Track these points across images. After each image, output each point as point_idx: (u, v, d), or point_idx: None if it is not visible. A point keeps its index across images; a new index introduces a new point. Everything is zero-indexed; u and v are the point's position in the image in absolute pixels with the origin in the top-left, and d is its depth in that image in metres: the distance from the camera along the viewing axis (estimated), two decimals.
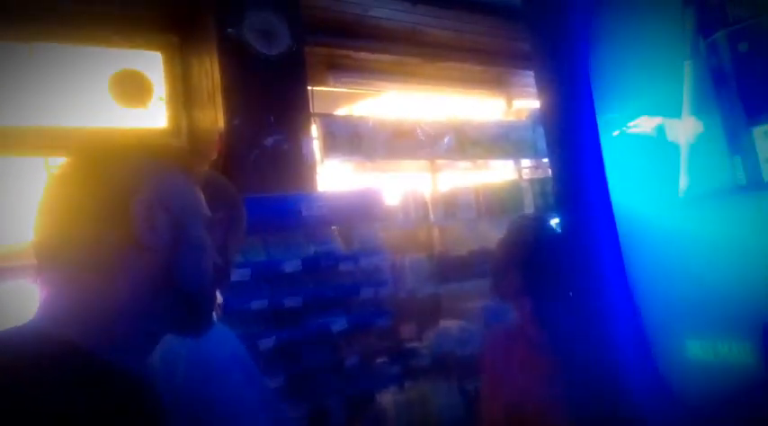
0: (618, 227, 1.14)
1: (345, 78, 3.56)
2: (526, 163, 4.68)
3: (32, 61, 2.78)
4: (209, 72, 2.51)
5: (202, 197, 0.87)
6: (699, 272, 1.12)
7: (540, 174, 4.54)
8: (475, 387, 3.67)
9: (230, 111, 2.40)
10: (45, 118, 3.03)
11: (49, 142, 2.71)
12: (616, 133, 1.32)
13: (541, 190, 4.09)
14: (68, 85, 2.85)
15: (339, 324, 2.31)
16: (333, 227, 2.45)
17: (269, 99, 2.50)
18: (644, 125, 1.30)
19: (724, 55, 1.16)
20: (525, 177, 4.53)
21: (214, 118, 2.45)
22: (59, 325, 0.70)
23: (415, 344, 3.51)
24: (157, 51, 2.98)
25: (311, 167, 2.63)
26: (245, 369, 1.16)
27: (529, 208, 3.99)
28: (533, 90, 4.54)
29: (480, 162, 4.44)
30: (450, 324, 3.72)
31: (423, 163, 4.19)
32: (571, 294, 1.32)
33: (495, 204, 3.88)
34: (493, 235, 4.10)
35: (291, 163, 2.51)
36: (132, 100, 2.91)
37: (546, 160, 4.51)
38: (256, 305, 2.14)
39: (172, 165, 0.85)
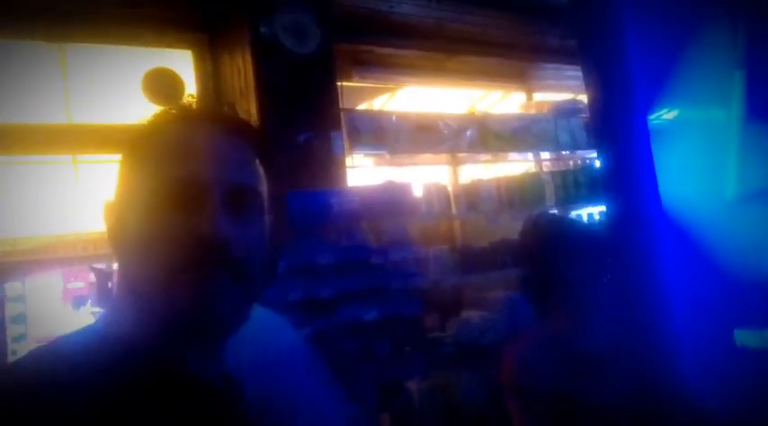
0: (668, 226, 1.20)
1: (369, 73, 3.62)
2: (546, 155, 4.72)
3: (66, 61, 2.88)
4: (242, 70, 2.59)
5: (172, 155, 0.69)
6: (746, 266, 1.18)
7: (560, 167, 4.58)
8: (497, 374, 3.77)
9: (264, 110, 2.48)
10: (76, 116, 3.15)
11: (79, 139, 2.81)
12: (665, 131, 1.37)
13: (563, 183, 4.13)
14: (100, 84, 2.95)
15: (371, 314, 2.39)
16: (363, 221, 2.53)
17: (300, 96, 2.58)
18: (693, 124, 1.35)
19: None
20: (545, 169, 4.57)
21: (247, 116, 2.53)
22: (114, 325, 0.69)
23: (438, 334, 3.60)
24: (188, 50, 3.06)
25: (341, 163, 2.70)
26: (309, 357, 1.21)
27: (550, 201, 4.04)
28: (553, 83, 4.58)
29: (501, 154, 4.49)
30: (472, 314, 3.80)
31: (443, 156, 4.25)
32: (613, 284, 1.35)
33: (516, 196, 3.92)
34: (514, 228, 4.16)
35: (322, 159, 2.59)
36: (164, 97, 3.00)
37: (566, 152, 4.56)
38: (292, 296, 2.23)
39: (139, 137, 0.73)
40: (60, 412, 0.56)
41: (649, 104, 1.27)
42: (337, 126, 2.77)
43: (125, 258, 0.70)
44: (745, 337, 1.24)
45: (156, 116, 0.74)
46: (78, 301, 5.22)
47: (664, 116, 1.35)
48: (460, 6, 3.19)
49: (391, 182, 2.83)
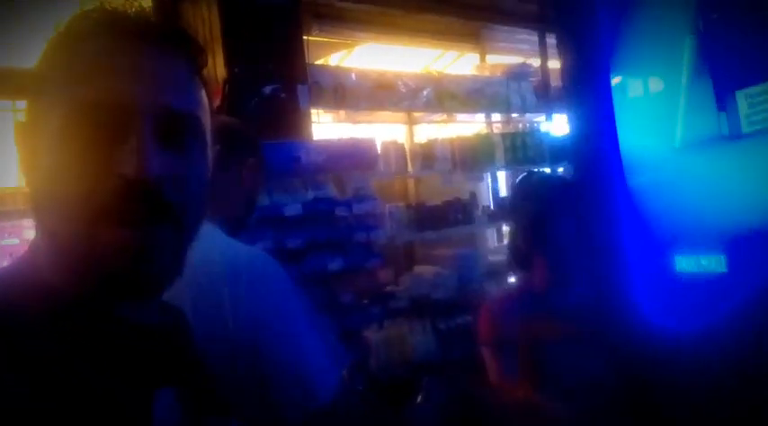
0: (626, 171, 1.35)
1: (328, 27, 3.59)
2: (495, 118, 4.87)
3: None
4: (206, 19, 2.52)
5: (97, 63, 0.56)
6: (690, 204, 1.36)
7: (509, 129, 4.74)
8: (447, 327, 3.97)
9: (229, 60, 2.44)
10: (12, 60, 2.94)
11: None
12: (626, 93, 1.51)
13: (512, 145, 4.28)
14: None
15: (335, 265, 2.46)
16: (328, 174, 2.57)
17: (266, 47, 2.54)
18: (651, 86, 1.50)
19: (717, 31, 1.36)
20: (495, 131, 4.72)
21: (212, 65, 2.48)
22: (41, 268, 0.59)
23: (393, 288, 3.73)
24: None
25: (306, 116, 2.71)
26: (288, 283, 1.16)
27: (500, 162, 4.19)
28: (505, 45, 4.65)
29: (453, 115, 4.60)
30: (424, 270, 3.95)
31: (399, 115, 4.30)
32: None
33: (468, 157, 4.05)
34: (466, 187, 4.33)
35: (288, 112, 2.59)
36: None
37: (515, 115, 4.72)
38: (261, 245, 2.27)
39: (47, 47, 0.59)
40: None
41: (615, 69, 1.40)
42: (303, 79, 2.76)
43: (38, 196, 0.58)
44: (683, 263, 1.44)
45: (74, 21, 0.59)
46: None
47: (618, 79, 1.49)
48: None
49: (360, 138, 2.86)
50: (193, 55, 0.62)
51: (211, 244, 1.08)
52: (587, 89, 1.47)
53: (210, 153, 0.64)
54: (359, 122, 4.16)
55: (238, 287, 1.08)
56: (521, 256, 1.61)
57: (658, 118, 1.47)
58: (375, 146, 2.69)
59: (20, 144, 0.60)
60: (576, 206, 1.53)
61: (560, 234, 1.51)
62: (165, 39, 0.59)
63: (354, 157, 2.59)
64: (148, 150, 0.53)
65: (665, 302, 1.42)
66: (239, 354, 1.03)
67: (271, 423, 1.05)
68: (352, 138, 2.83)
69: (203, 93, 0.63)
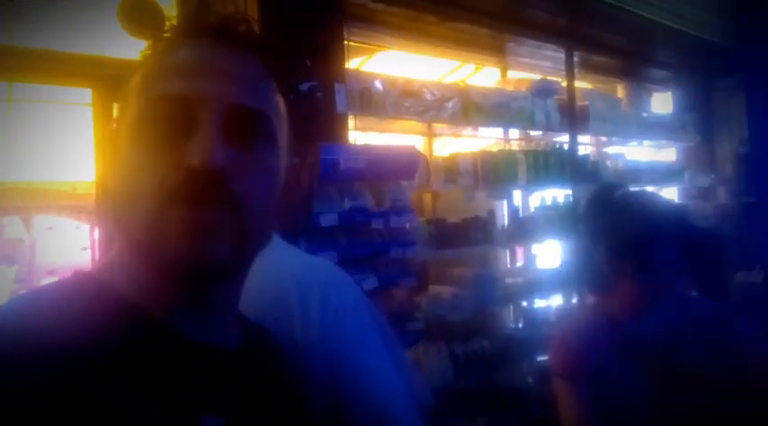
0: None
1: (358, 30, 3.40)
2: (514, 134, 4.72)
3: None
4: (242, 5, 2.30)
5: (170, 67, 0.60)
6: None
7: (528, 146, 4.59)
8: (464, 351, 3.75)
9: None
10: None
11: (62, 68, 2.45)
12: None
13: (534, 163, 4.14)
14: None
15: (371, 282, 2.24)
16: (366, 182, 2.35)
17: (307, 42, 2.33)
18: None
19: None
20: (516, 147, 4.56)
21: None
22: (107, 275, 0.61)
23: (409, 308, 3.51)
24: None
25: (343, 119, 2.49)
26: (370, 309, 0.98)
27: (522, 179, 4.03)
28: (529, 62, 4.53)
29: (473, 129, 4.42)
30: (441, 290, 3.75)
31: (419, 127, 4.11)
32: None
33: (491, 173, 3.89)
34: (485, 205, 4.15)
35: (324, 113, 2.37)
36: (142, 30, 2.66)
37: (537, 133, 4.57)
38: None
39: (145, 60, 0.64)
40: (31, 368, 0.48)
41: None
42: (341, 79, 2.55)
43: (111, 186, 0.61)
44: None
45: (168, 30, 0.64)
46: None
47: None
48: None
49: (405, 146, 2.66)
50: (267, 56, 0.65)
51: (277, 252, 0.90)
52: None
53: (284, 154, 0.65)
54: (377, 131, 3.96)
55: (311, 305, 0.90)
56: (602, 279, 1.44)
57: None
58: (417, 154, 2.49)
59: (109, 148, 0.63)
60: (682, 229, 1.38)
61: (661, 258, 1.36)
62: (239, 39, 0.62)
63: (395, 166, 2.38)
64: (214, 143, 0.56)
65: None
66: (313, 387, 0.85)
67: None
68: (393, 145, 2.62)
69: (276, 94, 0.65)
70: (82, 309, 0.55)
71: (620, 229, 1.35)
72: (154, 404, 0.54)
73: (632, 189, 1.59)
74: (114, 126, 0.64)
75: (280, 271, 0.91)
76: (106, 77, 2.55)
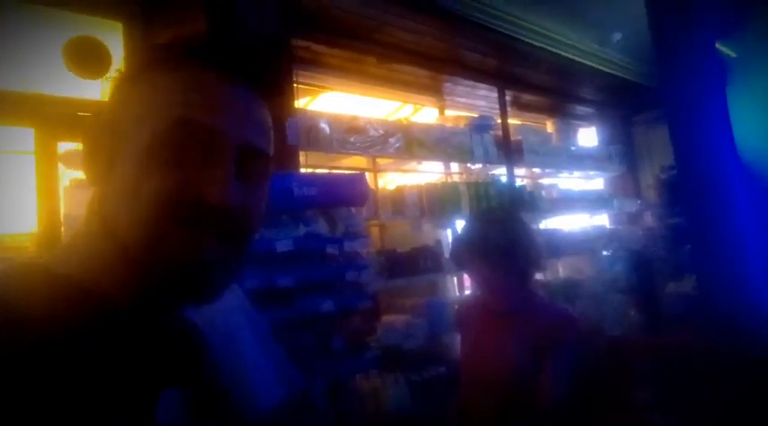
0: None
1: (302, 71, 3.55)
2: (455, 168, 4.95)
3: None
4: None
5: (178, 91, 0.60)
6: None
7: (468, 179, 4.82)
8: (421, 379, 3.80)
9: None
10: None
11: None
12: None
13: (476, 194, 4.35)
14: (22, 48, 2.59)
15: (327, 306, 2.30)
16: (319, 209, 2.45)
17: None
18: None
19: None
20: (458, 180, 4.78)
21: None
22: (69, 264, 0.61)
23: (365, 337, 3.55)
24: (118, 21, 2.78)
25: (294, 152, 2.59)
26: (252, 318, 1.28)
27: (465, 209, 4.23)
28: (465, 101, 4.79)
29: (416, 164, 4.62)
30: (394, 319, 3.82)
31: (365, 162, 4.27)
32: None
33: (436, 204, 4.06)
34: (434, 234, 4.30)
35: (277, 146, 2.46)
36: (88, 70, 2.70)
37: (475, 166, 4.81)
38: (250, 283, 2.08)
39: (136, 67, 0.65)
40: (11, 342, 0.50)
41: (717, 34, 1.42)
42: (293, 113, 2.66)
43: (107, 196, 0.61)
44: None
45: (174, 44, 0.64)
46: None
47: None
48: (404, 10, 3.27)
49: (353, 174, 2.77)
50: (269, 98, 0.68)
51: None
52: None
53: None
54: (325, 168, 4.08)
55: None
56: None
57: None
58: (366, 181, 2.61)
59: (91, 139, 0.63)
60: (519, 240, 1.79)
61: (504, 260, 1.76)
62: (254, 80, 0.65)
63: (346, 192, 2.48)
64: (231, 181, 0.59)
65: None
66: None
67: None
68: (342, 173, 2.73)
69: (272, 135, 0.69)
70: (41, 293, 0.55)
71: (482, 239, 1.75)
72: (121, 380, 0.56)
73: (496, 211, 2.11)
74: (114, 119, 0.62)
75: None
76: (48, 116, 2.52)
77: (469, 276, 1.88)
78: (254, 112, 0.64)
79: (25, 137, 2.63)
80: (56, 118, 2.55)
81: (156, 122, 0.58)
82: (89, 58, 2.69)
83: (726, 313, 1.51)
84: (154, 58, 0.64)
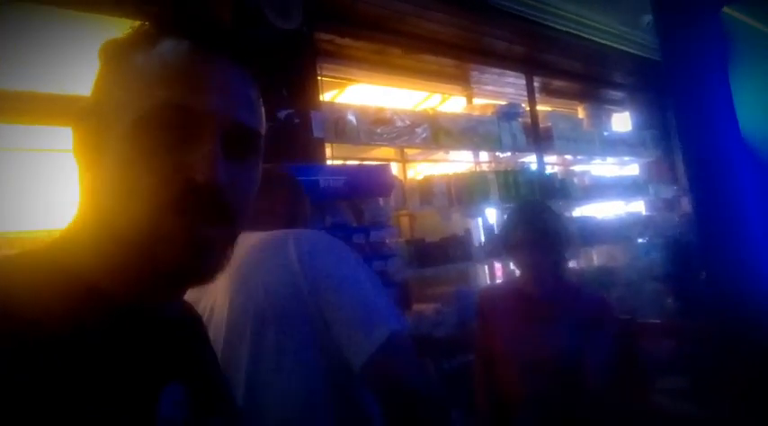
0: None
1: (327, 64, 3.60)
2: (484, 157, 4.94)
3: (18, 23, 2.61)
4: None
5: (169, 67, 0.59)
6: None
7: (498, 168, 4.80)
8: (451, 367, 3.84)
9: None
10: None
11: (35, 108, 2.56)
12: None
13: (505, 182, 4.34)
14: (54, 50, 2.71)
15: None
16: (345, 200, 2.50)
17: (282, 72, 2.50)
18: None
19: None
20: (487, 169, 4.77)
21: None
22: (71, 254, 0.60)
23: None
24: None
25: (320, 145, 2.65)
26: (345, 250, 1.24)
27: (494, 198, 4.22)
28: (493, 89, 4.76)
29: (445, 154, 4.63)
30: (424, 308, 3.85)
31: (393, 153, 4.30)
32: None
33: (464, 194, 4.06)
34: (463, 224, 4.31)
35: (301, 139, 2.53)
36: None
37: (504, 154, 4.79)
38: None
39: (114, 47, 0.62)
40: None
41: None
42: (317, 107, 2.72)
43: (98, 187, 0.61)
44: None
45: (155, 21, 0.62)
46: None
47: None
48: (428, 2, 3.28)
49: (378, 165, 2.81)
50: (258, 76, 0.67)
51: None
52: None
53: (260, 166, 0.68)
54: (353, 159, 4.13)
55: (301, 250, 1.17)
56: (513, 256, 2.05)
57: None
58: (391, 172, 2.64)
59: (80, 132, 0.63)
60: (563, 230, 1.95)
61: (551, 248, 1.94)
62: (241, 56, 0.63)
63: (371, 183, 2.52)
64: (218, 160, 0.57)
65: None
66: (308, 308, 1.11)
67: (337, 366, 1.10)
68: (368, 164, 2.77)
69: (263, 112, 0.68)
70: (39, 284, 0.55)
71: (526, 228, 1.91)
72: (122, 376, 0.55)
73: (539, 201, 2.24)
74: (92, 122, 0.62)
75: (274, 238, 1.20)
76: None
77: (516, 262, 1.98)
78: (239, 88, 0.62)
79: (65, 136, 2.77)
80: (80, 105, 2.67)
81: (136, 107, 0.57)
82: None
83: (734, 300, 1.50)
84: (130, 38, 0.62)
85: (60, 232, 0.64)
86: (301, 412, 1.09)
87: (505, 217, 2.05)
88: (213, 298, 1.21)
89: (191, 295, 0.72)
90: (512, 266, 2.47)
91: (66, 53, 2.71)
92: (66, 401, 0.49)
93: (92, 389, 0.52)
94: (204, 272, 0.61)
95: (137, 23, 0.63)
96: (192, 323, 0.78)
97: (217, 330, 1.15)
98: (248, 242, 1.18)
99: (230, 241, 0.63)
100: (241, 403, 1.09)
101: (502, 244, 1.97)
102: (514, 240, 1.87)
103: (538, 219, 1.86)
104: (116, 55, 0.62)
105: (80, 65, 2.76)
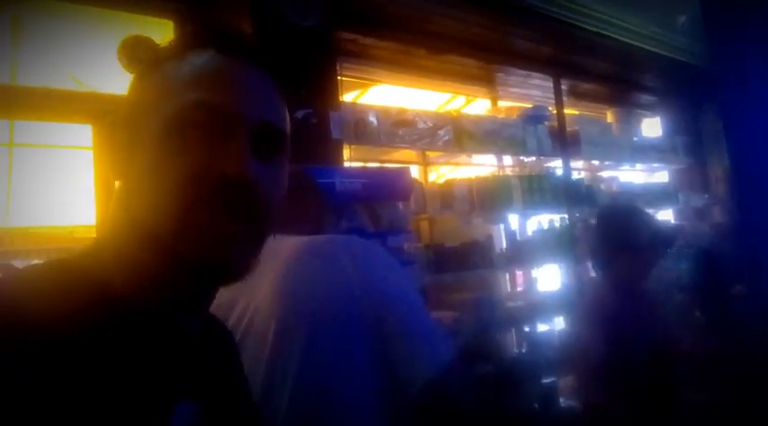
0: None
1: (350, 64, 3.53)
2: (508, 161, 4.81)
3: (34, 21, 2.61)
4: None
5: (194, 73, 0.62)
6: None
7: (522, 172, 4.67)
8: (470, 375, 3.74)
9: None
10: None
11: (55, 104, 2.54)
12: None
13: (528, 187, 4.22)
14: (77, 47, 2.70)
15: None
16: (362, 203, 2.42)
17: (300, 71, 2.44)
18: None
19: None
20: (510, 173, 4.65)
21: None
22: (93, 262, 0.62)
23: None
24: (168, 19, 2.85)
25: (338, 146, 2.58)
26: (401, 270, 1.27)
27: (517, 203, 4.10)
28: (518, 91, 4.65)
29: (467, 157, 4.52)
30: (442, 315, 3.76)
31: (414, 156, 4.21)
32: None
33: (486, 198, 3.95)
34: (485, 229, 4.20)
35: (320, 139, 2.46)
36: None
37: (529, 159, 4.66)
38: None
39: (154, 53, 0.68)
40: (26, 344, 0.49)
41: None
42: (336, 107, 2.65)
43: (130, 186, 0.63)
44: None
45: (184, 36, 0.68)
46: None
47: None
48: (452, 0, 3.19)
49: (397, 168, 2.73)
50: (282, 80, 0.69)
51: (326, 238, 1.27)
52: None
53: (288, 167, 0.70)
54: (373, 161, 4.05)
55: (357, 261, 1.17)
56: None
57: None
58: (410, 176, 2.56)
59: (114, 138, 0.65)
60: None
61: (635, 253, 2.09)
62: (266, 62, 0.67)
63: (389, 186, 2.45)
64: (248, 156, 0.60)
65: None
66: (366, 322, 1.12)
67: (386, 379, 1.12)
68: (386, 167, 2.70)
69: (287, 113, 0.70)
70: (62, 294, 0.56)
71: (614, 234, 2.06)
72: (136, 389, 0.55)
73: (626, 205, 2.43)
74: (125, 125, 0.65)
75: (324, 244, 1.21)
76: (105, 113, 2.63)
77: (613, 262, 2.07)
78: (264, 90, 0.65)
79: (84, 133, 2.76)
80: (111, 115, 2.65)
81: (168, 108, 0.60)
82: (142, 57, 2.77)
83: None
84: (163, 50, 0.67)
85: (92, 239, 0.67)
86: (347, 422, 1.11)
87: (600, 219, 2.21)
88: (252, 304, 1.19)
89: (225, 297, 0.74)
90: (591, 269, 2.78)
91: (83, 49, 2.70)
92: (79, 414, 0.50)
93: (107, 401, 0.52)
94: (233, 269, 0.62)
95: (167, 40, 0.68)
96: (218, 338, 0.78)
97: (260, 336, 1.13)
98: (286, 246, 1.17)
99: (260, 239, 0.64)
100: (286, 409, 1.09)
101: (603, 247, 2.09)
102: (628, 242, 1.99)
103: (644, 219, 2.05)
104: (149, 68, 0.66)
105: (97, 61, 2.74)
